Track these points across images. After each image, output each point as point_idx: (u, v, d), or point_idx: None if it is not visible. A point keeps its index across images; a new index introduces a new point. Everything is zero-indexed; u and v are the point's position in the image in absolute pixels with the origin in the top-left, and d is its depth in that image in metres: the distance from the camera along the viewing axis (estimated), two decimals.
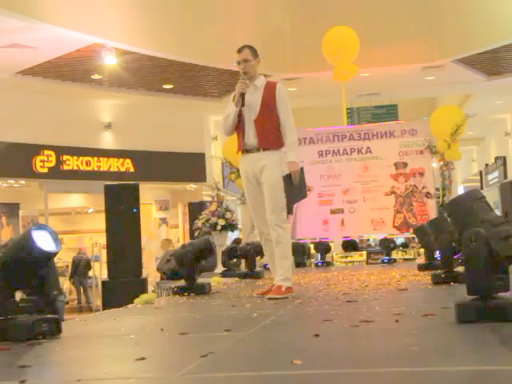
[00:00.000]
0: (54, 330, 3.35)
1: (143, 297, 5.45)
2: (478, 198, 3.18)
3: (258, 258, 9.45)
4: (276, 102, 5.26)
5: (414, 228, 9.00)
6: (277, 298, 4.92)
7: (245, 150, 5.31)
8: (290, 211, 5.31)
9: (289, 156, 5.24)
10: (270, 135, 5.24)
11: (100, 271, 14.64)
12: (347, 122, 12.84)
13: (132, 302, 5.44)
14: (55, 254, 3.33)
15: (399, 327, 3.21)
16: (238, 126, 5.33)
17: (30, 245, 3.22)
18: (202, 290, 5.97)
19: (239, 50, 5.31)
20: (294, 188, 5.18)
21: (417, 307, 3.91)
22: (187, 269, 6.01)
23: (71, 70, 12.39)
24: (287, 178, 5.14)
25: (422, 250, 10.43)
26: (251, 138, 5.25)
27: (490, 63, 13.34)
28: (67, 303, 15.83)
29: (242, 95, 5.22)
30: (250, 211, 5.57)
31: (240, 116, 5.29)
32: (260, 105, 5.25)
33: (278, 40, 12.49)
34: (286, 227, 5.22)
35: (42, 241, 3.26)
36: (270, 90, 5.31)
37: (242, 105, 5.24)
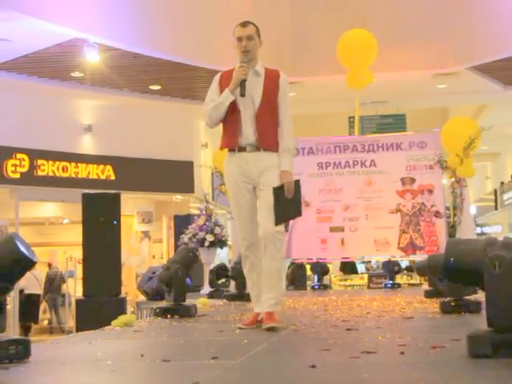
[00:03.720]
0: (23, 354, 3.32)
1: (122, 318, 5.41)
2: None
3: None
4: (278, 94, 4.93)
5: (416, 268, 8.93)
6: (277, 327, 4.63)
7: (238, 148, 4.90)
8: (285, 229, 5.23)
9: (283, 164, 4.86)
10: (272, 133, 4.90)
11: (74, 288, 14.57)
12: (359, 132, 12.85)
13: (109, 324, 5.40)
14: (34, 263, 3.37)
15: (404, 360, 3.19)
16: (229, 119, 4.92)
17: (12, 247, 3.28)
18: (187, 313, 5.95)
19: (243, 24, 4.91)
20: (287, 203, 4.78)
21: (424, 338, 3.89)
22: (177, 288, 5.99)
23: (49, 66, 12.38)
24: (279, 191, 4.75)
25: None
26: (249, 134, 4.86)
27: (508, 72, 13.39)
28: (36, 323, 15.77)
29: (243, 82, 4.80)
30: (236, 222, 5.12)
31: (231, 106, 4.88)
32: (261, 95, 4.89)
33: (277, 40, 12.53)
34: (283, 240, 4.94)
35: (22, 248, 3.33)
36: (271, 78, 4.96)
37: (242, 94, 4.81)
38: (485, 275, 2.98)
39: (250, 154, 4.87)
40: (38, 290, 15.43)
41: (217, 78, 5.06)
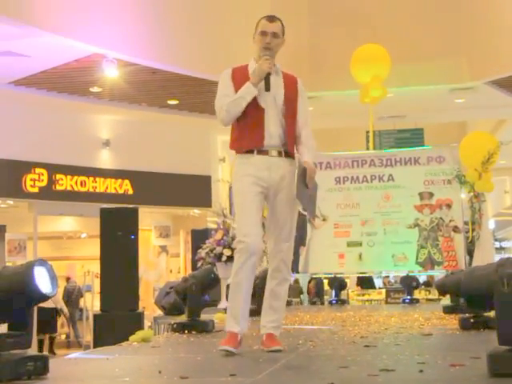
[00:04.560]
0: (41, 370, 3.31)
1: (139, 334, 5.41)
2: None
3: None
4: (298, 99, 4.54)
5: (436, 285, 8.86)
6: (281, 351, 4.31)
7: (258, 151, 4.43)
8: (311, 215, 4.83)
9: (306, 155, 4.48)
10: (294, 139, 4.51)
11: (92, 302, 14.61)
12: (373, 147, 12.84)
13: (127, 339, 5.40)
14: (48, 297, 3.32)
15: (423, 378, 3.17)
16: (250, 116, 4.44)
17: (28, 282, 3.20)
18: (205, 328, 5.93)
19: (270, 19, 4.49)
20: (307, 191, 4.40)
21: (443, 356, 3.86)
22: (191, 304, 5.98)
23: (68, 81, 12.46)
24: (301, 176, 4.37)
25: None
26: (274, 135, 4.42)
27: None
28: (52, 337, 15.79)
29: (267, 75, 4.39)
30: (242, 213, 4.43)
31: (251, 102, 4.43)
32: (283, 96, 4.48)
33: (295, 55, 12.55)
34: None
35: (40, 279, 3.23)
36: (290, 82, 4.58)
37: (267, 89, 4.40)
38: (495, 294, 2.97)
39: (272, 159, 4.42)
40: (51, 303, 15.36)
41: (228, 72, 4.57)
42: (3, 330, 3.37)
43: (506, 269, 2.94)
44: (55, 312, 14.91)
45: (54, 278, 3.30)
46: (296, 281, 17.27)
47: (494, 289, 2.96)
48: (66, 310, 15.30)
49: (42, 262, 3.31)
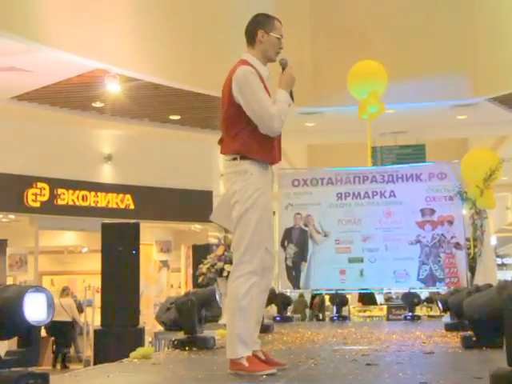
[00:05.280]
0: None
1: (140, 350, 5.39)
2: None
3: (268, 308, 9.34)
4: None
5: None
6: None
7: (271, 163, 4.39)
8: None
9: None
10: None
11: (92, 317, 14.56)
12: (371, 163, 12.85)
13: (127, 356, 5.38)
14: (38, 328, 3.26)
15: None
16: None
17: (16, 311, 3.12)
18: (206, 345, 5.91)
19: (280, 22, 4.50)
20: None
21: (445, 375, 3.84)
22: (187, 319, 5.97)
23: (71, 96, 12.49)
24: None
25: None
26: (280, 148, 4.48)
27: None
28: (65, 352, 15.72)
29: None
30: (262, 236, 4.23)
31: None
32: None
33: (297, 71, 12.58)
34: None
35: (34, 307, 3.15)
36: None
37: (293, 100, 4.44)
38: (504, 314, 2.95)
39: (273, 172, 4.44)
40: (63, 317, 15.25)
41: (254, 72, 4.34)
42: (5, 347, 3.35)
43: (509, 290, 2.93)
44: (71, 325, 14.80)
45: (51, 306, 3.23)
46: (301, 295, 17.28)
47: (504, 309, 2.94)
48: (80, 322, 15.13)
49: (40, 289, 3.24)
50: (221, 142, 4.45)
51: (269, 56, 4.45)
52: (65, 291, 15.24)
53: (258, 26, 4.45)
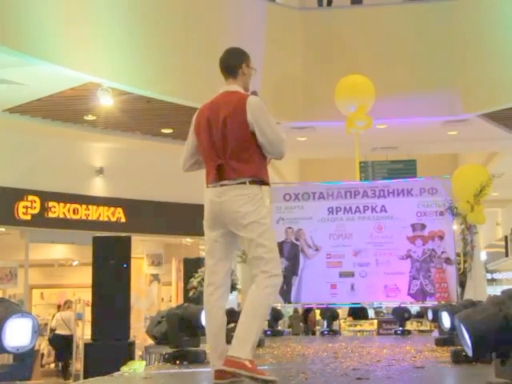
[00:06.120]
0: None
1: (131, 364, 5.38)
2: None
3: None
4: None
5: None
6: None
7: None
8: None
9: None
10: None
11: (82, 331, 14.50)
12: (360, 178, 12.89)
13: (118, 370, 5.37)
14: (20, 355, 3.24)
15: None
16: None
17: None
18: (197, 359, 5.91)
19: None
20: None
21: None
22: (170, 334, 5.98)
23: (63, 109, 12.49)
24: None
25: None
26: None
27: None
28: (43, 366, 15.66)
29: None
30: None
31: None
32: None
33: (288, 86, 12.63)
34: None
35: (18, 332, 3.09)
36: None
37: None
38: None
39: None
40: (64, 330, 15.15)
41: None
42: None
43: (508, 304, 2.95)
44: (71, 339, 14.73)
45: (36, 333, 3.18)
46: (295, 310, 17.28)
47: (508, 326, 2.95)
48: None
49: (26, 314, 3.20)
50: (219, 168, 4.59)
51: (247, 87, 4.80)
52: (66, 304, 15.28)
53: (243, 59, 4.83)
